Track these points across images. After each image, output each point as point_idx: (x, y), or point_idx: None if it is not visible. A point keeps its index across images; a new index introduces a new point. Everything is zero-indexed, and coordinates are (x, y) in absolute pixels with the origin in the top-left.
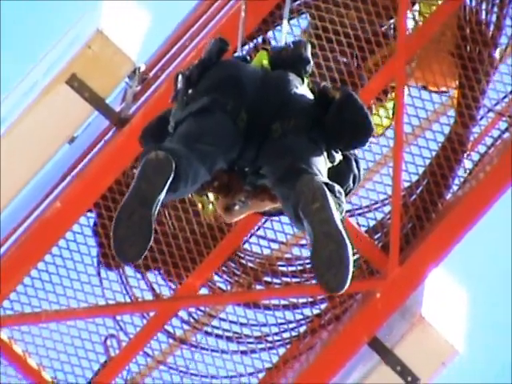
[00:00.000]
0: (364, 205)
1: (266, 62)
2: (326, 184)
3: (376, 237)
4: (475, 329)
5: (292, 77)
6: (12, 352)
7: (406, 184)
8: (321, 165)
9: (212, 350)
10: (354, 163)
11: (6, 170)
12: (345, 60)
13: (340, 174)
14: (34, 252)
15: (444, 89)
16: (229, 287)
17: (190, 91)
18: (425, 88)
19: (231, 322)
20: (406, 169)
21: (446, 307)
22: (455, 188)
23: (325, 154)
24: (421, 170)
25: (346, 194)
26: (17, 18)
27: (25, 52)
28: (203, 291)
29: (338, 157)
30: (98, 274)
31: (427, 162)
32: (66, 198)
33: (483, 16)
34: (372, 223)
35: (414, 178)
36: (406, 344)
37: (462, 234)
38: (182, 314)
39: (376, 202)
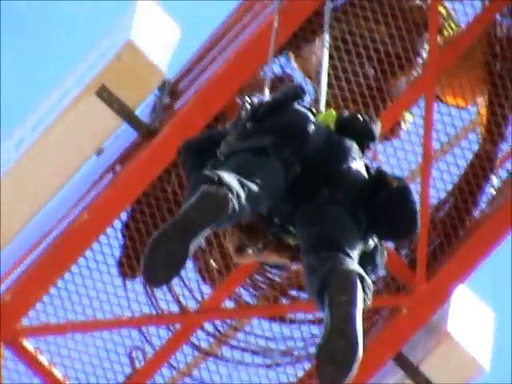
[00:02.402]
0: None
1: (332, 124)
2: (361, 277)
3: (403, 253)
4: (501, 347)
5: (355, 148)
6: (38, 363)
7: (434, 200)
8: (356, 245)
9: (237, 363)
10: (379, 254)
11: (35, 180)
12: (373, 73)
13: (372, 258)
14: (60, 262)
15: (469, 104)
16: (255, 301)
17: (249, 124)
18: (442, 101)
19: (257, 335)
20: (434, 185)
21: (472, 325)
22: (483, 205)
23: (361, 236)
24: (449, 187)
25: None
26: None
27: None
28: (229, 304)
29: (372, 243)
30: (124, 285)
31: (455, 178)
32: (93, 208)
33: None
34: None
35: (442, 195)
36: (432, 360)
37: (489, 251)
38: (208, 326)
39: None
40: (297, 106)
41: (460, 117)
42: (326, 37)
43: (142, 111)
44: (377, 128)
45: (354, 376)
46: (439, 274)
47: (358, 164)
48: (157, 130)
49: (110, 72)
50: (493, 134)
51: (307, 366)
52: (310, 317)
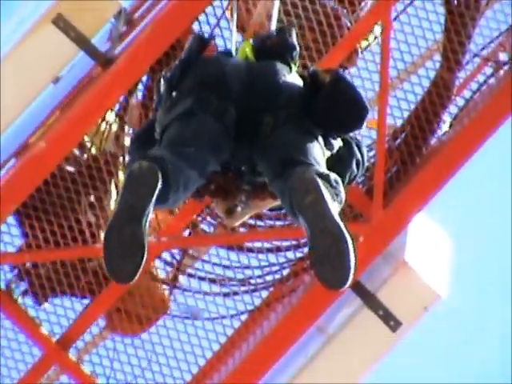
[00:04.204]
0: None
1: (250, 54)
2: (320, 174)
3: (360, 181)
4: (459, 274)
5: (279, 66)
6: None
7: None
8: (317, 154)
9: (195, 292)
10: (355, 147)
11: None
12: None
13: (342, 160)
14: (18, 192)
15: None
16: (212, 229)
17: (173, 94)
18: None
19: (214, 264)
20: (390, 113)
21: (429, 253)
22: (440, 133)
23: (321, 141)
24: (406, 115)
25: (352, 180)
26: None
27: None
28: (186, 233)
29: (337, 143)
30: None
31: (412, 106)
32: (50, 137)
33: None
34: None
35: (399, 123)
36: (389, 288)
37: (446, 178)
38: (165, 255)
39: None
40: (209, 55)
41: (417, 44)
42: None
43: (99, 40)
44: (292, 36)
45: (355, 267)
46: (396, 201)
47: (289, 78)
48: (113, 59)
49: (66, 1)
50: (449, 61)
51: (264, 294)
52: (267, 245)
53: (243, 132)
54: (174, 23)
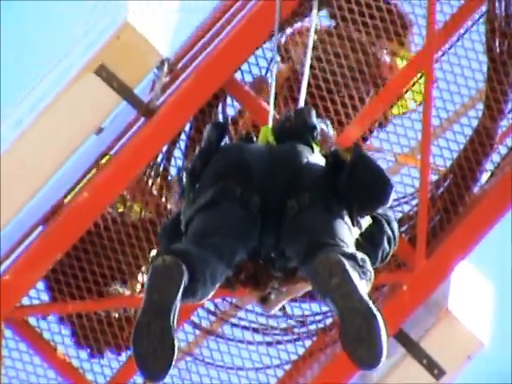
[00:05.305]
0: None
1: (270, 138)
2: (346, 254)
3: (403, 229)
4: (501, 322)
5: (300, 148)
6: (39, 341)
7: (434, 177)
8: (344, 234)
9: (238, 341)
10: (385, 224)
11: (34, 159)
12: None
13: (372, 238)
14: (61, 240)
15: None
16: None
17: (196, 185)
18: None
19: (257, 313)
20: (433, 162)
21: (472, 301)
22: (482, 182)
23: (348, 221)
24: (448, 164)
25: (385, 257)
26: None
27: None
28: None
29: (366, 221)
30: None
31: (455, 155)
32: (93, 187)
33: None
34: (399, 216)
35: (442, 172)
36: (432, 337)
37: (489, 227)
38: (208, 304)
39: (404, 196)
40: (229, 143)
41: (459, 93)
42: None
43: (142, 90)
44: (311, 116)
45: (387, 347)
46: (439, 250)
47: (310, 159)
48: (156, 109)
49: (108, 51)
50: (492, 110)
51: (307, 343)
52: (309, 294)
53: (269, 217)
54: (216, 73)
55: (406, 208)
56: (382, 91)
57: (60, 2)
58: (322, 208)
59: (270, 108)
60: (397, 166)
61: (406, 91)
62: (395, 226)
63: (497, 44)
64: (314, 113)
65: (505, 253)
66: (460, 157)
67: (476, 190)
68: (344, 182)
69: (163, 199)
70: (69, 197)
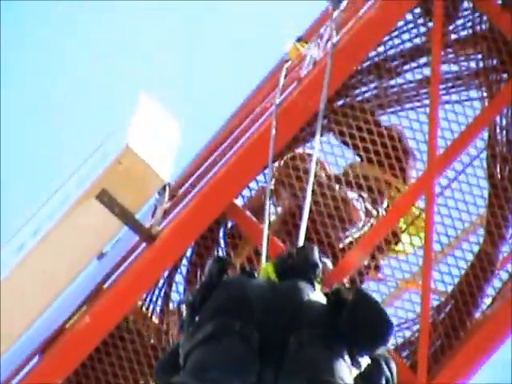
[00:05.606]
0: None
1: (272, 274)
2: None
3: (404, 355)
4: None
5: (302, 285)
6: None
7: (435, 302)
8: (342, 372)
9: None
10: (384, 364)
11: (35, 285)
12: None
13: (371, 378)
14: (61, 366)
15: None
16: None
17: (195, 318)
18: None
19: None
20: (434, 287)
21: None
22: (483, 307)
23: (348, 360)
24: (450, 289)
25: None
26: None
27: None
28: None
29: (365, 361)
30: None
31: (456, 280)
32: (95, 313)
33: None
34: (400, 341)
35: (443, 297)
36: None
37: (490, 352)
38: None
39: (405, 321)
40: (231, 277)
41: (460, 218)
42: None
43: (143, 214)
44: (314, 253)
45: None
46: (440, 375)
47: (311, 297)
48: (157, 234)
49: (110, 176)
50: (493, 236)
51: None
52: None
53: (269, 354)
54: (217, 200)
55: (407, 333)
56: (385, 216)
57: (60, 2)
58: (323, 345)
59: (263, 249)
60: (398, 291)
61: (405, 230)
62: (393, 366)
63: (498, 170)
64: (316, 250)
65: (504, 377)
66: (461, 282)
67: (477, 315)
68: (345, 321)
69: (164, 325)
70: (70, 322)
